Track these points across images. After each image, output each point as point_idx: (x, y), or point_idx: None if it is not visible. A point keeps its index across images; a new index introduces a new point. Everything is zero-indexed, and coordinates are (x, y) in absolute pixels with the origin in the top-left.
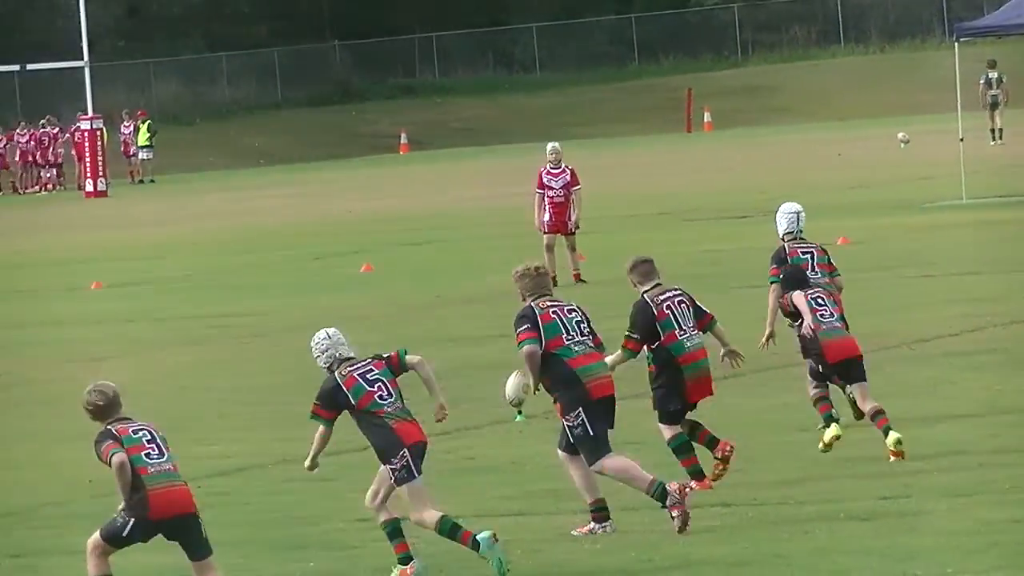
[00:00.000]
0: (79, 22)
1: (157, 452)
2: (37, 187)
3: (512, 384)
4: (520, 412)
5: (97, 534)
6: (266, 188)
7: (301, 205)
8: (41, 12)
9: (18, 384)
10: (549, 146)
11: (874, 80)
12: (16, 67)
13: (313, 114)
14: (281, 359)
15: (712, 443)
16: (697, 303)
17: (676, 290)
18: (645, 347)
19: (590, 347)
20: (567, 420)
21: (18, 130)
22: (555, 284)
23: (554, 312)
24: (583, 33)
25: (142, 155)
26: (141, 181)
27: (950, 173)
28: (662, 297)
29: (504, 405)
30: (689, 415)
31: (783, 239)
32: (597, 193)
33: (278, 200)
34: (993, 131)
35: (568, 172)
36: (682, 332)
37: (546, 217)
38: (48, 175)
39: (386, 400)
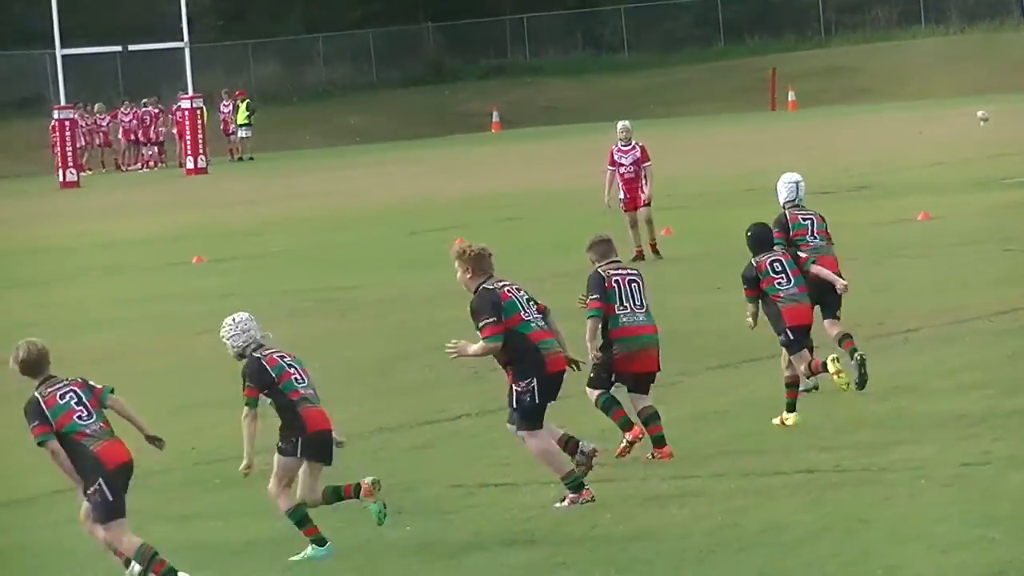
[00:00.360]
0: (179, 4)
1: (86, 414)
2: (139, 164)
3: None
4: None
5: (88, 517)
6: (362, 166)
7: (396, 182)
8: None
9: (121, 357)
10: (619, 124)
11: (954, 60)
12: (119, 48)
13: (407, 94)
14: (378, 332)
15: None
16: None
17: (631, 271)
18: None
19: (543, 326)
20: (517, 387)
21: (121, 109)
22: (642, 258)
23: (510, 292)
24: (670, 15)
25: (241, 133)
26: (240, 159)
27: None
28: (613, 272)
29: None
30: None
31: (784, 207)
32: (684, 171)
33: (374, 177)
34: None
35: (638, 149)
36: (622, 308)
37: (621, 195)
38: (150, 153)
39: (300, 383)
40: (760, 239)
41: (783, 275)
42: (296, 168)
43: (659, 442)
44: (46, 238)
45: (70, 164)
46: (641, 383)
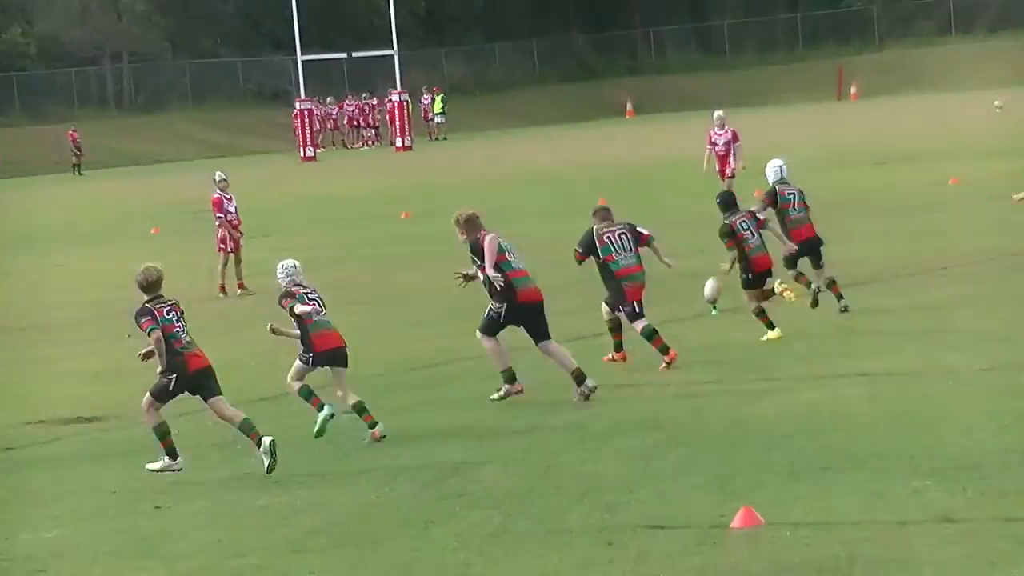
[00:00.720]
0: (390, 21)
1: (181, 328)
2: (360, 144)
3: (709, 287)
4: (715, 308)
5: (148, 395)
6: (529, 143)
7: (555, 154)
8: (362, 12)
9: (348, 287)
10: (715, 113)
11: (977, 60)
12: (344, 55)
13: (562, 88)
14: (539, 269)
15: (664, 350)
16: (637, 230)
17: (620, 226)
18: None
19: (522, 267)
20: (493, 305)
21: (347, 101)
22: None
23: (497, 239)
24: (762, 26)
25: (437, 120)
26: (436, 139)
27: None
28: (606, 231)
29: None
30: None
31: (774, 184)
32: (774, 143)
33: (538, 150)
34: None
35: (729, 132)
36: (618, 254)
37: (716, 167)
38: (368, 135)
39: (319, 314)
40: (727, 203)
41: (749, 231)
42: (480, 145)
43: (665, 350)
44: (292, 197)
45: (308, 143)
46: (639, 309)
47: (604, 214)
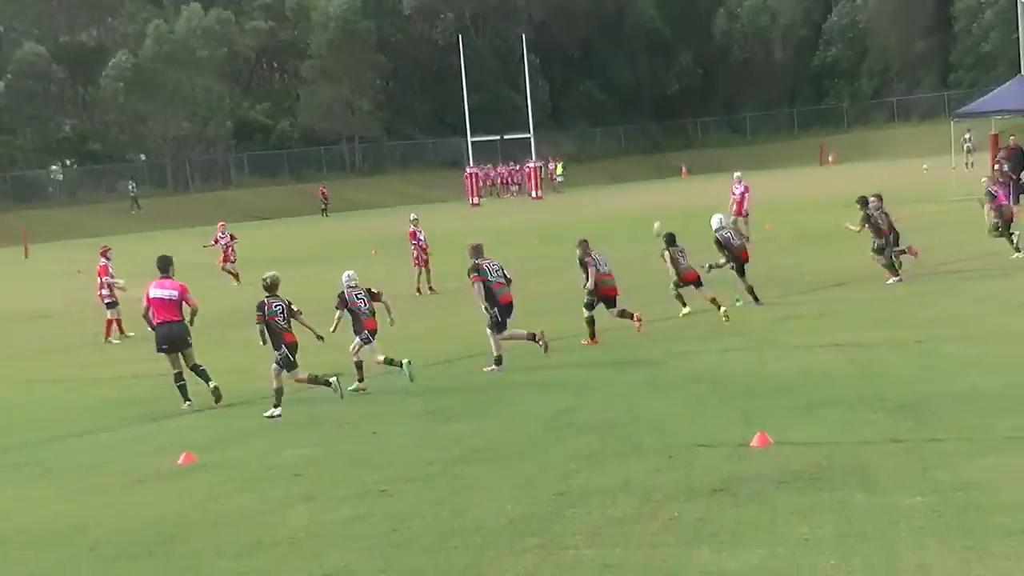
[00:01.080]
0: (527, 115)
1: (282, 318)
2: (510, 194)
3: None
4: (739, 299)
5: (275, 365)
6: (618, 194)
7: (634, 201)
8: (509, 109)
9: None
10: (734, 174)
11: (912, 140)
12: (497, 137)
13: (639, 157)
14: (623, 274)
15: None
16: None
17: (600, 254)
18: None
19: (501, 280)
20: (490, 311)
21: (499, 167)
22: (748, 240)
23: (488, 265)
24: (771, 117)
25: (558, 179)
26: (558, 192)
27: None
28: (592, 255)
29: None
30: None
31: (716, 232)
32: (778, 192)
33: (624, 199)
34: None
35: (743, 186)
36: (603, 267)
37: (734, 208)
38: (514, 189)
39: (364, 307)
40: (671, 239)
41: (684, 257)
42: (586, 195)
43: (627, 314)
44: (464, 229)
45: (475, 195)
46: (611, 302)
47: (584, 246)
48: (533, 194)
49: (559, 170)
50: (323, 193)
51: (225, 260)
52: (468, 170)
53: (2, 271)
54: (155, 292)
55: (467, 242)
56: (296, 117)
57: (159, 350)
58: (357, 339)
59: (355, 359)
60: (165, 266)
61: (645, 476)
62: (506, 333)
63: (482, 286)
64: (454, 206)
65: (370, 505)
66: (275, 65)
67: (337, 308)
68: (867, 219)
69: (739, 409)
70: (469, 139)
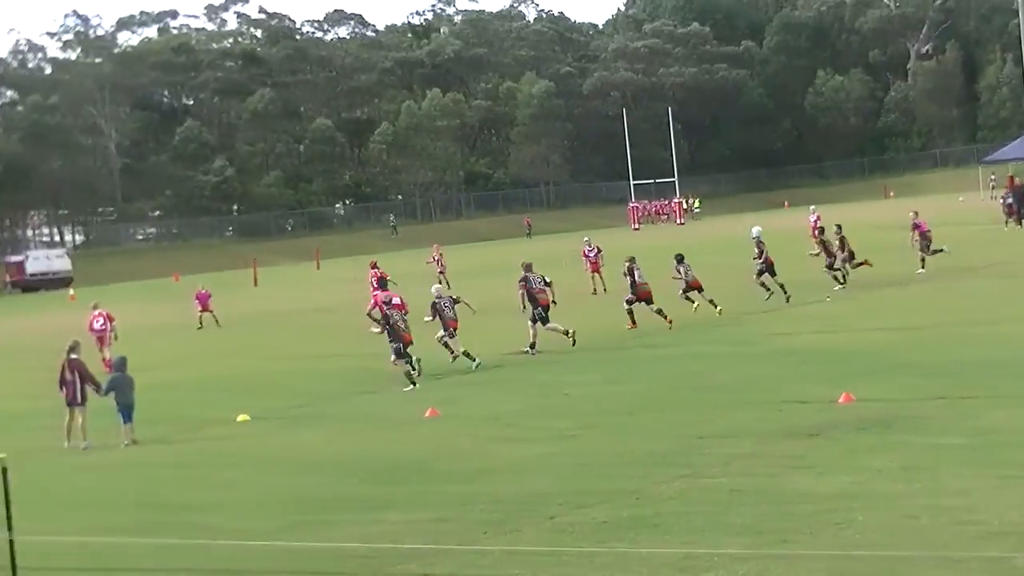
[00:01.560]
0: (673, 164)
1: (400, 318)
2: (661, 221)
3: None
4: (830, 296)
5: (393, 354)
6: (739, 222)
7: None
8: (658, 160)
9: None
10: (811, 207)
11: (950, 179)
12: (652, 180)
13: (754, 195)
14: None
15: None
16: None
17: (542, 277)
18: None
19: (542, 287)
20: (535, 309)
21: (653, 201)
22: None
23: (532, 276)
24: (846, 165)
25: (696, 210)
26: (696, 220)
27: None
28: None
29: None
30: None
31: (756, 240)
32: (852, 220)
33: (743, 226)
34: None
35: (815, 215)
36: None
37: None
38: (663, 217)
39: (450, 313)
40: (680, 257)
41: (688, 270)
42: (718, 223)
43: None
44: (626, 247)
45: (635, 222)
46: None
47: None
48: (678, 221)
49: (696, 204)
50: (527, 223)
51: (440, 272)
52: (630, 204)
53: (302, 279)
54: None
55: (629, 255)
56: (507, 168)
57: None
58: (443, 332)
59: (441, 344)
60: (385, 284)
61: (759, 423)
62: (549, 326)
63: (526, 292)
64: (620, 230)
65: (562, 444)
66: (493, 131)
67: (429, 314)
68: (823, 244)
69: (825, 375)
70: (631, 182)
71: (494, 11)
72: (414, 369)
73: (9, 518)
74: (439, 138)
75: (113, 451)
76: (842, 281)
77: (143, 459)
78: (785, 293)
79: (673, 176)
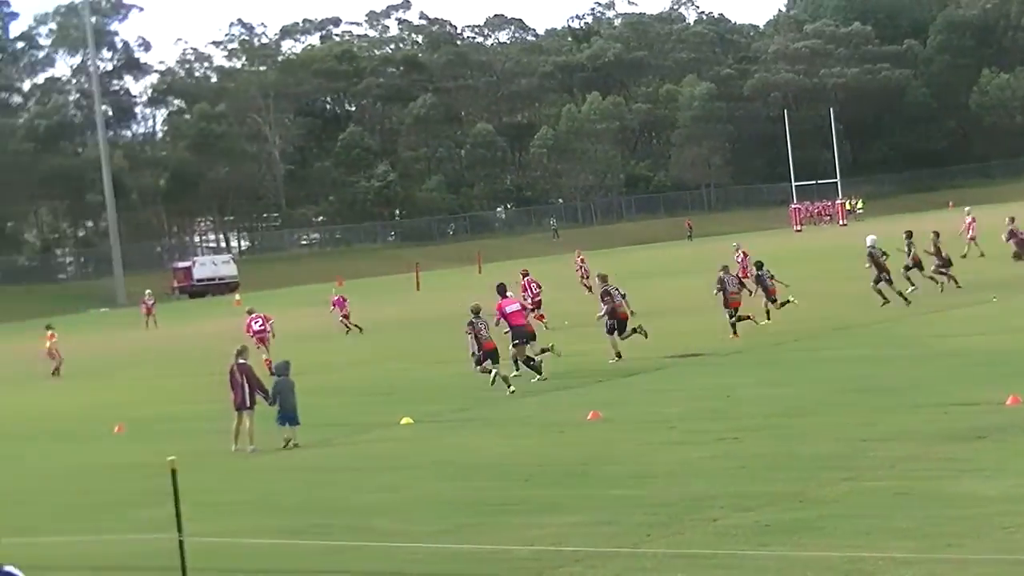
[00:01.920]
0: (835, 166)
1: (485, 329)
2: (822, 224)
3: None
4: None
5: (473, 361)
6: (891, 224)
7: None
8: (821, 163)
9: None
10: (965, 209)
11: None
12: (814, 182)
13: (917, 196)
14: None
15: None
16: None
17: (617, 288)
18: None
19: (624, 300)
20: (609, 318)
21: (817, 203)
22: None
23: (614, 290)
24: (913, 176)
25: (859, 211)
26: (859, 220)
27: None
28: (612, 289)
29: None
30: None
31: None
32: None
33: (895, 227)
34: None
35: (971, 218)
36: (620, 300)
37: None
38: (826, 218)
39: (484, 333)
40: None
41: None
42: (882, 222)
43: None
44: (787, 249)
45: (797, 224)
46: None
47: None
48: (840, 223)
49: (860, 205)
50: (688, 225)
51: (583, 278)
52: (792, 206)
53: (463, 283)
54: (509, 308)
55: (796, 257)
56: (668, 170)
57: (515, 343)
58: (475, 352)
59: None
60: (504, 290)
61: (924, 425)
62: (622, 335)
63: (611, 306)
64: (782, 232)
65: (724, 447)
66: (653, 134)
67: (467, 333)
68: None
69: (991, 377)
70: (793, 183)
71: (654, 13)
72: (496, 373)
73: (179, 519)
74: (599, 141)
75: (279, 455)
76: (937, 284)
77: (308, 463)
78: (906, 301)
79: (835, 177)
